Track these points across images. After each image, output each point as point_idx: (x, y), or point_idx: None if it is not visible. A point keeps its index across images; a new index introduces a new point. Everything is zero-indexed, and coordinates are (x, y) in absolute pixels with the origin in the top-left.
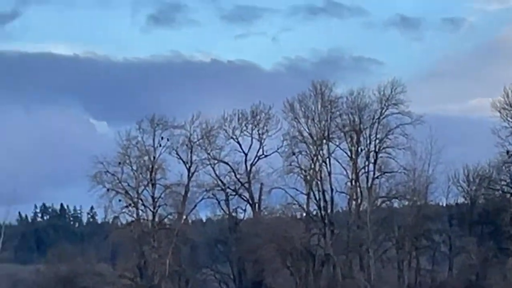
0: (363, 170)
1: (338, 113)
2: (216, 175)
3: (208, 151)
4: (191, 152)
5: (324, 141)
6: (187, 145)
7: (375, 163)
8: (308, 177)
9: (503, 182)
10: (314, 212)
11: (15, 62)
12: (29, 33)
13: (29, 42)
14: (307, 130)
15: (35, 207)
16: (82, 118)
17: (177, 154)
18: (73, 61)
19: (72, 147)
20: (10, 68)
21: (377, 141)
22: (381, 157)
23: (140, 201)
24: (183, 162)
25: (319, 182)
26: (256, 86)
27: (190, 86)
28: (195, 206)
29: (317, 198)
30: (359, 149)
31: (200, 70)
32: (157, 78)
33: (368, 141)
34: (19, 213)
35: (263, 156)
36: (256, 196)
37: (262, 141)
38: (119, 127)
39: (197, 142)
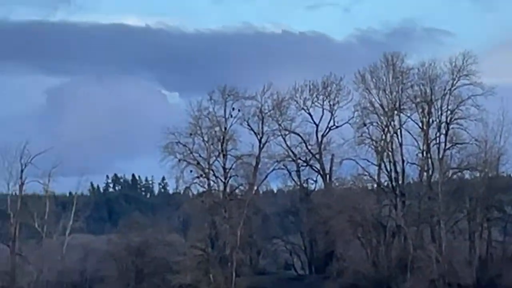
0: (434, 141)
1: (409, 84)
2: (287, 146)
3: (279, 122)
4: (262, 123)
5: (396, 112)
6: (258, 116)
7: (446, 134)
8: (379, 148)
9: None
10: (385, 183)
11: (87, 34)
12: (101, 4)
13: (101, 13)
14: (378, 101)
15: (107, 177)
16: (153, 89)
17: (248, 125)
18: (145, 32)
19: (144, 118)
20: (83, 39)
21: (449, 112)
22: (452, 128)
23: (211, 171)
24: (254, 133)
25: (390, 153)
26: (328, 57)
27: (261, 57)
28: (266, 176)
29: (388, 169)
30: (431, 120)
31: (271, 42)
32: (228, 49)
33: (440, 112)
34: (91, 183)
35: (334, 127)
36: (327, 167)
37: (333, 112)
38: (190, 98)
39: (268, 113)
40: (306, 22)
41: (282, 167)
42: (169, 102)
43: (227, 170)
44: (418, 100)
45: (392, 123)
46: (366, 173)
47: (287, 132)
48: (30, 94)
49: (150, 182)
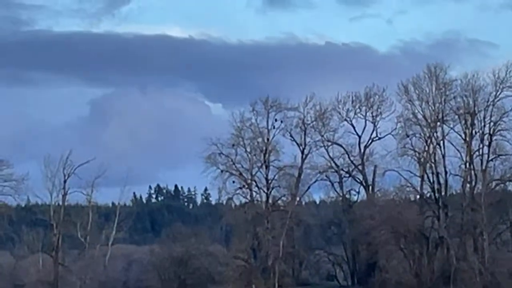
0: (477, 153)
1: (452, 95)
2: (330, 157)
3: (322, 133)
4: (304, 134)
5: (438, 123)
6: (300, 127)
7: (489, 145)
8: (422, 160)
9: None
10: (428, 195)
11: (131, 44)
12: (145, 15)
13: (144, 24)
14: (421, 112)
15: (150, 188)
16: (197, 100)
17: (291, 136)
18: (188, 43)
19: (187, 129)
20: (126, 50)
21: (492, 123)
22: (495, 139)
23: (253, 182)
24: (297, 144)
25: (433, 165)
26: (371, 68)
27: (304, 68)
28: (309, 188)
29: (431, 181)
30: (474, 131)
31: (315, 53)
32: (271, 60)
33: (483, 124)
34: (134, 194)
35: (377, 138)
36: (369, 178)
37: (376, 123)
38: (233, 109)
39: (311, 124)
40: (350, 33)
41: (325, 178)
42: (212, 113)
43: (270, 181)
44: (461, 111)
45: (435, 134)
46: (408, 184)
47: (329, 143)
48: (73, 105)
49: (193, 192)
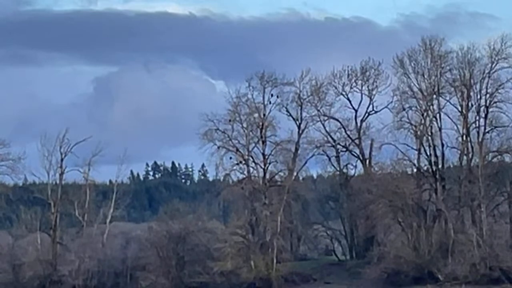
0: (474, 125)
1: (448, 68)
2: (326, 131)
3: (318, 108)
4: (301, 108)
5: (434, 96)
6: (296, 102)
7: (485, 117)
8: (419, 133)
9: None
10: (425, 168)
11: (133, 22)
12: None
13: (145, 1)
14: (417, 85)
15: (147, 165)
16: (201, 77)
17: (287, 111)
18: (190, 20)
19: (191, 107)
20: (129, 27)
21: (488, 95)
22: (491, 111)
23: (250, 158)
24: (293, 119)
25: (429, 138)
26: (371, 43)
27: (305, 44)
28: (306, 162)
29: (428, 154)
30: (470, 103)
31: (315, 28)
32: (273, 37)
33: (479, 96)
34: (131, 171)
35: (373, 112)
36: (366, 152)
37: (372, 97)
38: (236, 86)
39: (307, 99)
40: (350, 8)
41: (322, 152)
42: (215, 90)
43: (267, 157)
44: (457, 84)
45: (431, 107)
46: (405, 158)
47: (326, 118)
48: (77, 84)
49: (190, 169)
